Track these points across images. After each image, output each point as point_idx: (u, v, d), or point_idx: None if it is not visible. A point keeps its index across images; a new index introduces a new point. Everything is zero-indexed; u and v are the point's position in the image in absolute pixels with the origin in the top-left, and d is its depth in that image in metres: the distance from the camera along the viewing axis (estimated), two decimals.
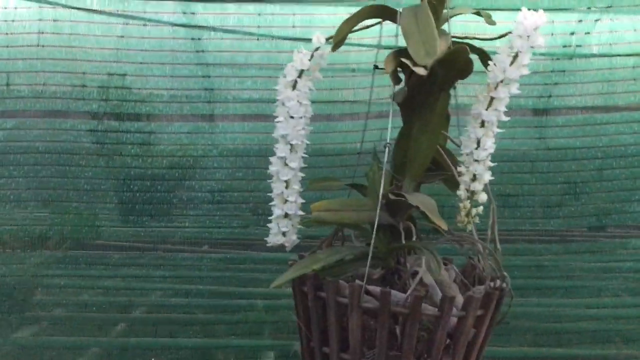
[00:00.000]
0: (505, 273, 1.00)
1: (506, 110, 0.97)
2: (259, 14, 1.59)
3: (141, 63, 1.64)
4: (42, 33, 1.63)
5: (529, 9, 0.97)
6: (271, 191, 1.01)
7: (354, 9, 1.01)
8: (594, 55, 1.58)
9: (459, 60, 0.95)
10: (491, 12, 1.51)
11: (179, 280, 1.80)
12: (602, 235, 1.73)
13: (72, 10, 1.62)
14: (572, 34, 1.60)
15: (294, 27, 1.60)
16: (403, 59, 0.92)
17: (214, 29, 1.64)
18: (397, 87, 1.00)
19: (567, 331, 1.73)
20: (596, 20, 1.58)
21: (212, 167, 1.69)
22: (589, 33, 1.57)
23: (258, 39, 1.62)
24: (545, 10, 1.53)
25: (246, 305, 1.73)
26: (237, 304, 1.76)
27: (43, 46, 1.64)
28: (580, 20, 1.59)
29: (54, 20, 1.63)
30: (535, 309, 1.75)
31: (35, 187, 1.76)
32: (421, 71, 0.90)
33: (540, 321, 1.73)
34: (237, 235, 1.75)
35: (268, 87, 1.63)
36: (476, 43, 1.05)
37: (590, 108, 1.57)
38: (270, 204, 1.00)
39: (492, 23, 1.07)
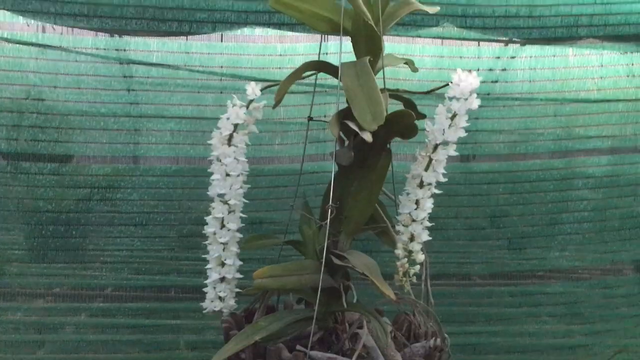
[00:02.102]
0: (446, 335, 0.95)
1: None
2: (186, 52, 1.46)
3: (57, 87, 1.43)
4: None
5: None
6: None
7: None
8: (514, 99, 1.55)
9: (403, 123, 0.89)
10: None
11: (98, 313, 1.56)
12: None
13: None
14: (490, 69, 1.57)
15: (221, 67, 1.48)
16: (349, 123, 0.85)
17: (141, 63, 1.48)
18: (344, 148, 0.92)
19: None
20: (521, 58, 1.56)
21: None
22: (535, 69, 1.54)
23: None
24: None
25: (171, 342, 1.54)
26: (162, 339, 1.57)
27: None
28: (509, 57, 1.57)
29: None
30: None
31: None
32: (367, 137, 0.84)
33: None
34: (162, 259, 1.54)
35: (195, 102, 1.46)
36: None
37: (510, 155, 1.56)
38: (206, 267, 0.89)
39: (416, 70, 1.04)
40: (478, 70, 1.54)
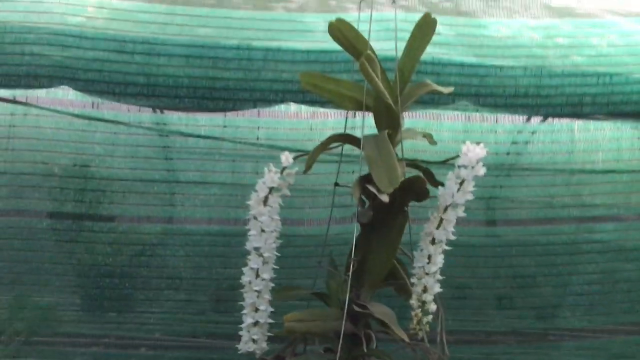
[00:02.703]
0: None
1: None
2: (225, 126, 1.61)
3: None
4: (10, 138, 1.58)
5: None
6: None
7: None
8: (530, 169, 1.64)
9: (417, 188, 1.00)
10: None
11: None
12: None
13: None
14: (527, 143, 1.65)
15: (258, 138, 1.63)
16: (369, 186, 0.96)
17: (183, 134, 1.64)
18: (364, 209, 1.03)
19: None
20: (532, 133, 1.64)
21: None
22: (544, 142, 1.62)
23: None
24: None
25: None
26: None
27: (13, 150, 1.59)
28: (534, 132, 1.65)
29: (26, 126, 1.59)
30: None
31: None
32: (384, 198, 0.94)
33: None
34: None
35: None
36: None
37: (532, 220, 1.64)
38: (242, 312, 0.99)
39: (434, 143, 1.14)
40: (494, 143, 1.66)
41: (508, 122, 1.66)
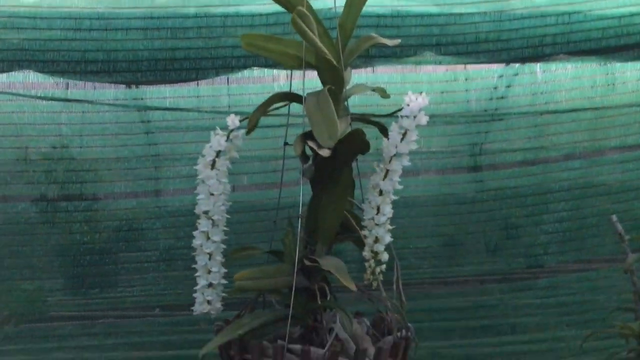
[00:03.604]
0: (410, 324, 1.00)
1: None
2: (197, 96, 1.58)
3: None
4: None
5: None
6: None
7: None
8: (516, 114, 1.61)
9: (357, 140, 0.96)
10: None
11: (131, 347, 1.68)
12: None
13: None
14: (495, 88, 1.62)
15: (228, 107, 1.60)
16: (309, 142, 0.93)
17: (157, 108, 1.61)
18: (307, 165, 1.00)
19: None
20: (515, 75, 1.60)
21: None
22: (510, 86, 1.60)
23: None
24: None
25: None
26: None
27: None
28: (500, 76, 1.61)
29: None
30: (482, 349, 1.70)
31: None
32: (324, 153, 0.91)
33: None
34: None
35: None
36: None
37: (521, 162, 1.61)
38: (195, 275, 0.98)
39: (387, 96, 1.10)
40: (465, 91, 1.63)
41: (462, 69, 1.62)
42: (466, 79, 1.64)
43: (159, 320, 1.69)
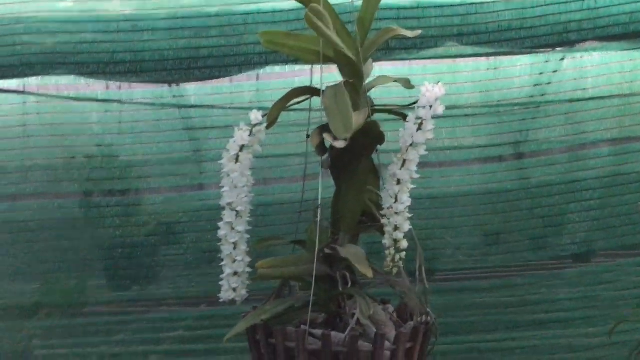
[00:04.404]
0: (429, 309, 1.05)
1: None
2: (240, 92, 1.68)
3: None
4: (26, 125, 1.68)
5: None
6: None
7: None
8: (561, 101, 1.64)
9: (373, 132, 1.03)
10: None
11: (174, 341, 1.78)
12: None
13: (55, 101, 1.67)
14: (541, 73, 1.65)
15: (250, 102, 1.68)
16: (325, 134, 1.00)
17: (183, 106, 1.71)
18: (325, 156, 1.07)
19: None
20: (561, 60, 1.64)
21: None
22: (556, 71, 1.62)
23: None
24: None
25: None
26: None
27: (29, 137, 1.69)
28: (555, 71, 1.65)
29: (38, 113, 1.69)
30: (529, 342, 1.73)
31: (29, 262, 1.77)
32: (339, 144, 0.97)
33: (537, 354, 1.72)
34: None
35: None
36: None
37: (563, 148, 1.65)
38: (221, 264, 1.05)
39: (411, 87, 1.16)
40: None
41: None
42: (489, 69, 1.68)
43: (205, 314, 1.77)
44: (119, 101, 1.67)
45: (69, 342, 1.80)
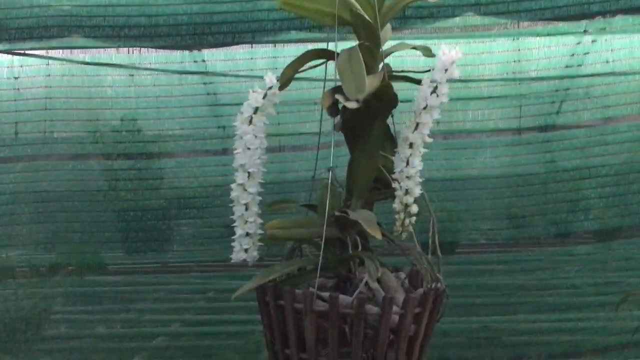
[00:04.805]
0: (439, 275, 1.06)
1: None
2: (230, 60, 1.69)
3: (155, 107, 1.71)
4: (50, 87, 1.71)
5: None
6: None
7: None
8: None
9: (387, 95, 1.03)
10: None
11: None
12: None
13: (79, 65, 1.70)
14: (572, 55, 1.64)
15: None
16: (337, 95, 1.00)
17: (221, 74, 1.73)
18: (338, 119, 1.08)
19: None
20: (593, 42, 1.63)
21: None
22: (587, 53, 1.62)
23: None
24: (543, 35, 1.62)
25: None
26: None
27: (51, 98, 1.71)
28: (578, 43, 1.63)
29: (62, 75, 1.71)
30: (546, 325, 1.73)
31: (44, 222, 1.80)
32: (351, 105, 0.98)
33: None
34: None
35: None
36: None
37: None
38: (233, 224, 1.07)
39: (431, 55, 1.15)
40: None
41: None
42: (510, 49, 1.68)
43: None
44: (139, 67, 1.69)
45: (84, 308, 1.83)
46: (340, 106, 1.07)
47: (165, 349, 1.81)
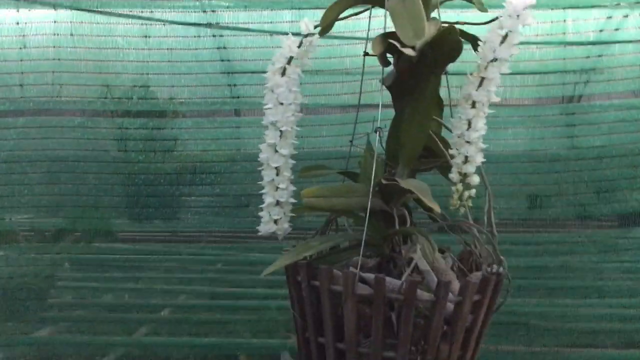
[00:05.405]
0: (502, 257, 0.93)
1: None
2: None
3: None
4: (58, 35, 1.58)
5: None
6: None
7: None
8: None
9: (448, 41, 0.88)
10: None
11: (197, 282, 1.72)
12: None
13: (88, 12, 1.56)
14: (601, 31, 1.54)
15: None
16: (391, 40, 0.85)
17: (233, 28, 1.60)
18: (387, 71, 0.93)
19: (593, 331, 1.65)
20: (625, 16, 1.52)
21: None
22: (618, 29, 1.49)
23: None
24: (573, 7, 1.50)
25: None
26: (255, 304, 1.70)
27: (59, 47, 1.59)
28: (609, 17, 1.52)
29: (70, 22, 1.58)
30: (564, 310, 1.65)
31: (48, 183, 1.70)
32: (410, 52, 0.83)
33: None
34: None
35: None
36: (469, 29, 0.98)
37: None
38: (261, 191, 0.93)
39: (484, 10, 1.01)
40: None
41: None
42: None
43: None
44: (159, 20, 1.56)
45: (91, 275, 1.75)
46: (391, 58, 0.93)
47: (174, 322, 1.71)
